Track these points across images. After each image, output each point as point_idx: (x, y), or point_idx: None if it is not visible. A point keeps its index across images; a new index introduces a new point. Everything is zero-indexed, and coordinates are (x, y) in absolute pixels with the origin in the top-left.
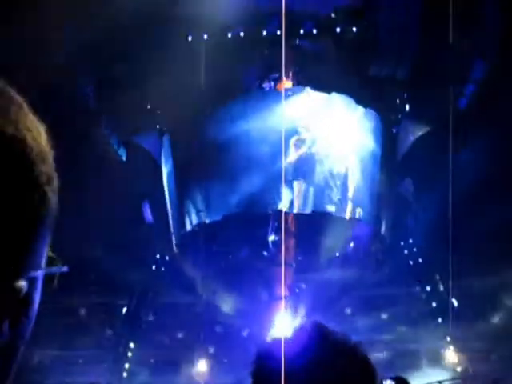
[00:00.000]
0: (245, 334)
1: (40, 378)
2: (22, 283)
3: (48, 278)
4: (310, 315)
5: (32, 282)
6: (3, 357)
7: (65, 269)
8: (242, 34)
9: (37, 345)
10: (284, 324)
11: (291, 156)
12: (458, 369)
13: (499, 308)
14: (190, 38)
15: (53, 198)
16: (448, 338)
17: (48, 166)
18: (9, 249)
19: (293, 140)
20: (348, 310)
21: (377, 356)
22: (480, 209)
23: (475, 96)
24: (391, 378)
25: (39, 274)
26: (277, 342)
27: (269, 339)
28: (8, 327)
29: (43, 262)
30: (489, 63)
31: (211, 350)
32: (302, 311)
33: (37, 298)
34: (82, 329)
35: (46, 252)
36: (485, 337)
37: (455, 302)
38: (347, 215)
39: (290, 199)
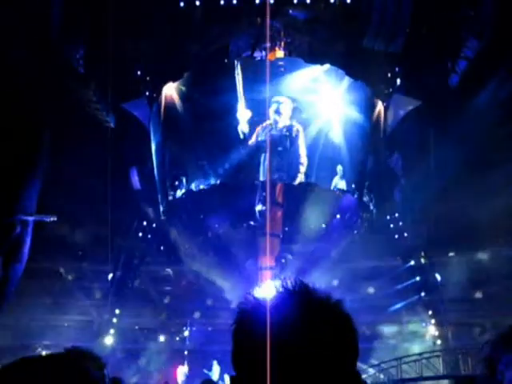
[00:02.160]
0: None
1: (25, 341)
2: (15, 223)
3: (39, 226)
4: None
5: (24, 224)
6: None
7: (54, 218)
8: (234, 1)
9: (23, 309)
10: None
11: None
12: (439, 342)
13: (482, 282)
14: (181, 4)
15: (44, 152)
16: (430, 312)
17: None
18: (3, 191)
19: (272, 109)
20: (334, 282)
21: (359, 328)
22: (466, 185)
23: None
24: None
25: (30, 218)
26: (258, 300)
27: (250, 299)
28: (2, 264)
29: (33, 209)
30: (482, 42)
31: (196, 318)
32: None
33: (28, 240)
34: (68, 294)
35: (35, 201)
36: (466, 311)
37: (438, 277)
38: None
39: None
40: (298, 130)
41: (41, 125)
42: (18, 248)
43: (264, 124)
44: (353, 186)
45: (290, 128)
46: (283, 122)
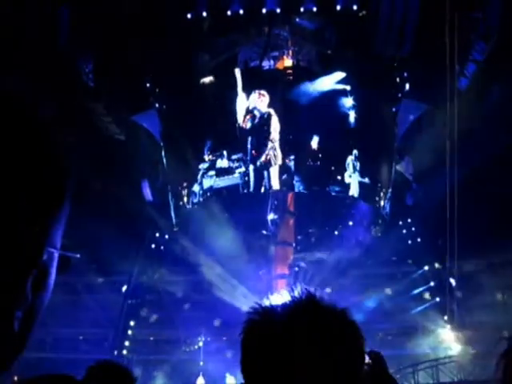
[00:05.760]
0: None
1: (41, 354)
2: (43, 250)
3: (63, 262)
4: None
5: (50, 257)
6: (27, 318)
7: (77, 255)
8: (241, 11)
9: (37, 322)
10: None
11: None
12: (455, 348)
13: (496, 288)
14: (189, 16)
15: (69, 191)
16: (445, 317)
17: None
18: (35, 226)
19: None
20: (347, 289)
21: (375, 334)
22: (479, 189)
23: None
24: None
25: (55, 251)
26: (266, 310)
27: (258, 308)
28: (31, 292)
29: (59, 243)
30: (490, 44)
31: (211, 328)
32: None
33: (53, 272)
34: (82, 306)
35: (60, 235)
36: (482, 316)
37: (453, 282)
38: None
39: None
40: (271, 114)
41: (68, 162)
42: (44, 277)
43: (251, 114)
44: (366, 179)
45: (266, 114)
46: (263, 108)
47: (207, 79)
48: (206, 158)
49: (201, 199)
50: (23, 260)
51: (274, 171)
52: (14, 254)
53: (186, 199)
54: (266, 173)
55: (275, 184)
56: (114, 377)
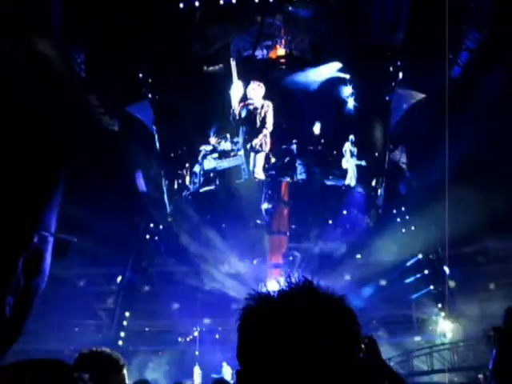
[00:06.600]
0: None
1: (37, 345)
2: (35, 237)
3: (61, 248)
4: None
5: (43, 240)
6: (20, 304)
7: (73, 239)
8: (233, 0)
9: (32, 313)
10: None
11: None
12: (449, 335)
13: (490, 276)
14: (181, 5)
15: (64, 174)
16: (439, 305)
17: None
18: (27, 206)
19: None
20: (341, 278)
21: (370, 322)
22: (472, 177)
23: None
24: None
25: (49, 235)
26: (262, 296)
27: (254, 295)
28: (23, 277)
29: (53, 228)
30: (483, 33)
31: (206, 320)
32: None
33: (48, 257)
34: (77, 298)
35: (54, 221)
36: (476, 304)
37: (447, 270)
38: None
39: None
40: (268, 106)
41: (61, 150)
42: (38, 261)
43: (245, 102)
44: (363, 162)
45: (262, 105)
46: (258, 100)
47: (206, 67)
48: (213, 140)
49: (202, 179)
50: (11, 243)
51: (260, 158)
52: (1, 238)
53: (188, 179)
54: (253, 156)
55: (259, 172)
56: (102, 362)
